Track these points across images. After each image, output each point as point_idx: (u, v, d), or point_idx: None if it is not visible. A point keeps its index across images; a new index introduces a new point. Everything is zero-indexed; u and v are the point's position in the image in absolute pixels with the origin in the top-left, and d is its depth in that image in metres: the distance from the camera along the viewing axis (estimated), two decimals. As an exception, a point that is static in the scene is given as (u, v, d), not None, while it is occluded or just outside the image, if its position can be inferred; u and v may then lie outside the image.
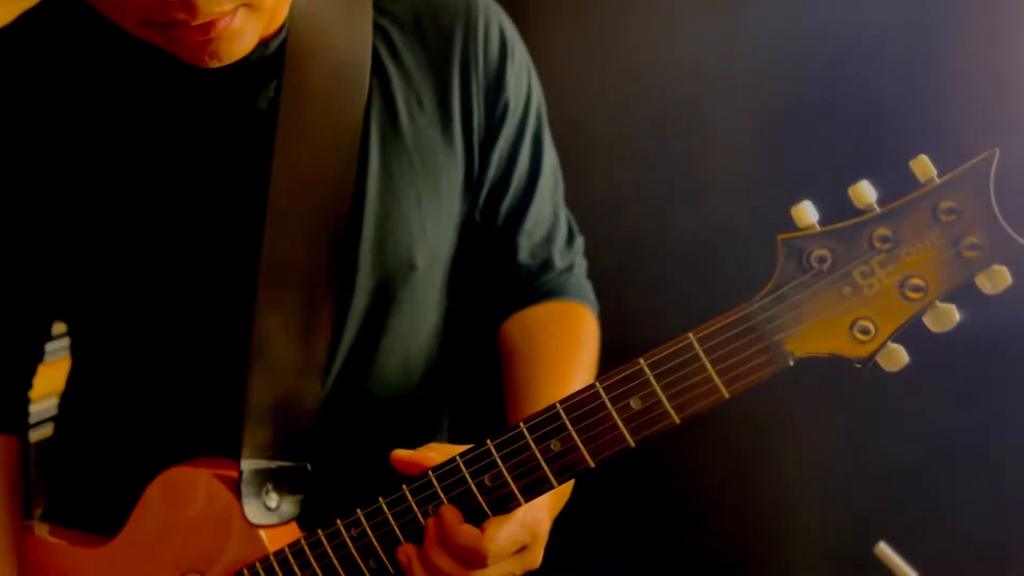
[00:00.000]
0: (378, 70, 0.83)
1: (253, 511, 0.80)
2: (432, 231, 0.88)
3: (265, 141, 0.79)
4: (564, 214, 0.99)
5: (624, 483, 1.49)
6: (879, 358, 0.62)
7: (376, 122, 0.82)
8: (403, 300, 0.89)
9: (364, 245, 0.83)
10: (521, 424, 0.69)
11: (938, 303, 0.61)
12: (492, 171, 0.91)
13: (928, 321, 0.61)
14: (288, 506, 0.83)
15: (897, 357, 0.62)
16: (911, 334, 0.62)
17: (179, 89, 0.80)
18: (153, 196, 0.81)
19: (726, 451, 1.46)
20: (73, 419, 0.96)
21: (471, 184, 0.90)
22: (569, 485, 0.82)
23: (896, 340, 0.62)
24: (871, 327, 0.61)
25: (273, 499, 0.82)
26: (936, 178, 0.60)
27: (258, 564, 0.80)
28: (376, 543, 0.75)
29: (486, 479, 0.70)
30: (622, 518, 1.55)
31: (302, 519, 0.84)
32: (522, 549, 0.72)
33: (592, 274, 1.03)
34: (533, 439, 0.68)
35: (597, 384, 0.66)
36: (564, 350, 0.91)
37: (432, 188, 0.87)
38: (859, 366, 0.62)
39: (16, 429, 0.91)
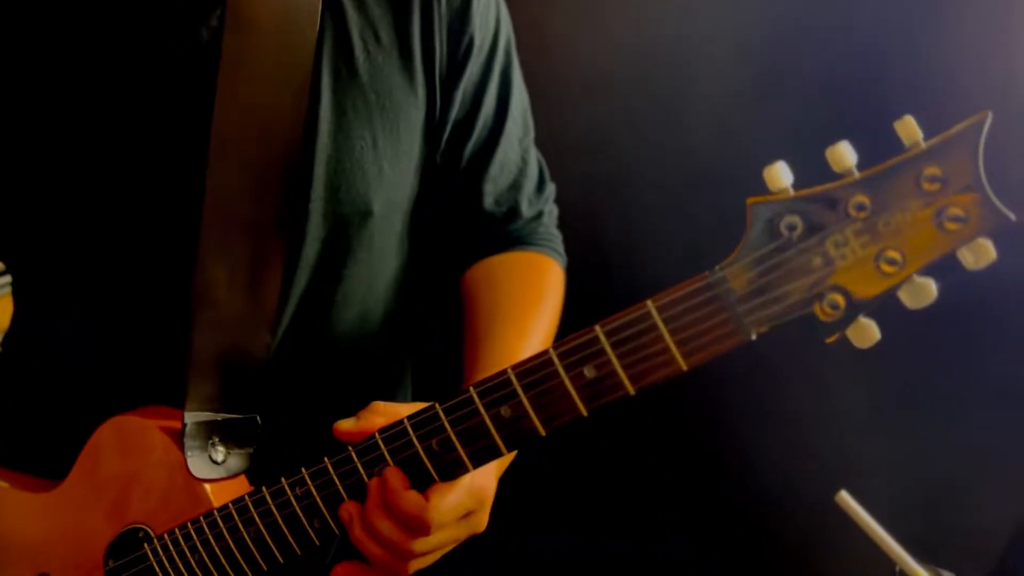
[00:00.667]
0: (331, 2, 0.77)
1: (197, 465, 0.78)
2: (390, 175, 0.83)
3: (208, 76, 0.74)
4: (534, 159, 0.94)
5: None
6: (849, 333, 0.58)
7: (328, 58, 0.77)
8: (359, 248, 0.85)
9: (315, 190, 0.79)
10: (471, 389, 0.66)
11: (915, 277, 0.56)
12: (455, 111, 0.86)
13: (904, 296, 0.57)
14: (236, 460, 0.80)
15: (868, 333, 0.58)
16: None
17: (118, 17, 0.74)
18: (91, 130, 0.76)
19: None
20: (16, 359, 0.93)
21: (432, 125, 0.85)
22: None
23: (868, 315, 0.57)
24: (841, 301, 0.56)
25: (220, 452, 0.79)
26: (922, 142, 0.55)
27: (202, 519, 0.77)
28: (320, 503, 0.72)
29: (434, 443, 0.67)
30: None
31: (254, 473, 0.81)
32: (467, 515, 0.70)
33: (569, 217, 0.99)
34: (483, 404, 0.65)
35: (551, 351, 0.62)
36: (525, 303, 0.87)
37: (390, 129, 0.81)
38: (828, 340, 0.58)
39: None
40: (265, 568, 0.76)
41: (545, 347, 0.63)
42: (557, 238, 0.97)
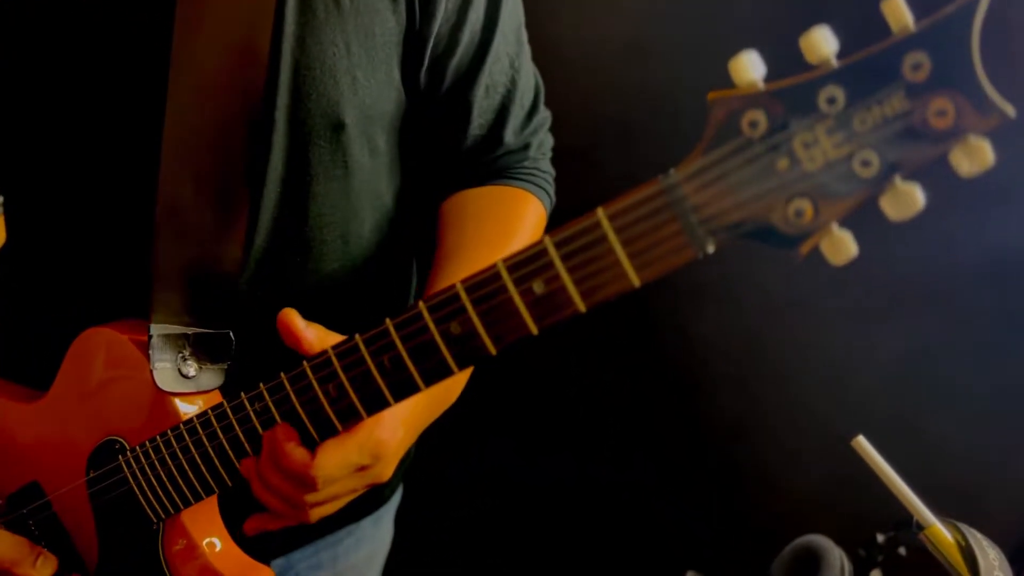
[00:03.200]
0: None
1: (164, 377, 0.76)
2: (364, 85, 0.78)
3: None
4: (528, 82, 0.88)
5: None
6: (823, 247, 0.52)
7: None
8: (333, 164, 0.81)
9: (280, 96, 0.75)
10: (421, 304, 0.62)
11: (899, 182, 0.49)
12: (438, 23, 0.81)
13: (886, 205, 0.50)
14: (209, 376, 0.79)
15: (843, 247, 0.51)
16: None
17: None
18: (53, 40, 0.73)
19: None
20: (5, 275, 0.93)
21: (413, 36, 0.80)
22: (448, 391, 0.77)
23: (844, 226, 0.51)
24: (809, 209, 0.50)
25: (191, 367, 0.78)
26: (912, 26, 0.48)
27: (170, 432, 0.76)
28: (279, 419, 0.70)
29: (385, 360, 0.64)
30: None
31: (230, 390, 0.80)
32: (361, 469, 0.69)
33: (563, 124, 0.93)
34: (433, 320, 0.61)
35: (499, 263, 0.58)
36: (489, 243, 0.81)
37: (363, 35, 0.77)
38: (793, 255, 0.52)
39: None
40: (230, 484, 0.75)
41: None
42: (545, 174, 0.91)
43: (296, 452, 0.66)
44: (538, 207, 0.88)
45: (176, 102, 0.72)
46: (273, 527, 0.73)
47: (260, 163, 0.77)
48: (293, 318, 0.67)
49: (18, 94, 0.75)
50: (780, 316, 1.34)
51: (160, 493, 0.78)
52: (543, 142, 0.91)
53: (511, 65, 0.86)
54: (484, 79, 0.84)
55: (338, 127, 0.78)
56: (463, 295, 0.59)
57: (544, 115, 0.91)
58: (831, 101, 0.48)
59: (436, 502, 1.49)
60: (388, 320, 0.63)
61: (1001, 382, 1.21)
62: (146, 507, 0.80)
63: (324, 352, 0.66)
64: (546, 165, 0.92)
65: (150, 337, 0.76)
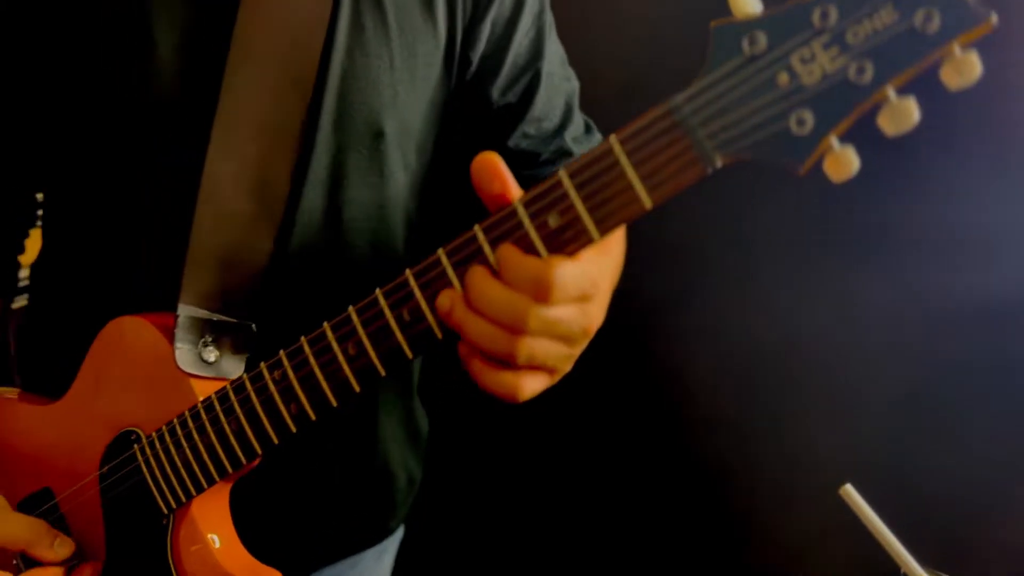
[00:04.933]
0: None
1: (185, 359, 0.78)
2: (404, 98, 0.84)
3: None
4: (578, 110, 0.95)
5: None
6: (825, 164, 0.54)
7: None
8: (369, 171, 0.85)
9: (327, 101, 0.80)
10: (440, 251, 0.64)
11: (894, 97, 0.52)
12: (481, 48, 0.87)
13: (883, 122, 0.53)
14: (229, 364, 0.80)
15: (845, 162, 0.53)
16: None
17: None
18: (119, 26, 0.78)
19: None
20: (41, 286, 0.96)
21: (452, 57, 0.86)
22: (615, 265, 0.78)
23: (845, 142, 0.54)
24: (811, 125, 0.53)
25: (211, 353, 0.79)
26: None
27: (187, 412, 0.77)
28: (297, 385, 0.71)
29: (404, 312, 0.65)
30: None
31: None
32: (583, 298, 0.61)
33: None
34: (451, 263, 0.63)
35: (516, 202, 0.60)
36: None
37: (407, 52, 0.83)
38: (797, 169, 0.54)
39: None
40: (244, 462, 0.75)
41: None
42: None
43: (529, 258, 0.59)
44: None
45: (230, 93, 0.77)
46: (476, 371, 0.62)
47: (303, 162, 0.81)
48: (499, 160, 0.62)
49: (81, 66, 0.80)
50: (772, 359, 1.35)
51: (173, 479, 0.78)
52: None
53: (563, 88, 0.92)
54: (540, 101, 0.89)
55: (378, 136, 0.83)
56: (480, 236, 0.62)
57: (599, 135, 0.97)
58: (824, 17, 0.52)
59: (437, 542, 1.46)
60: (408, 271, 0.65)
61: (994, 431, 1.21)
62: (158, 497, 0.79)
63: (346, 310, 0.68)
64: None
65: (176, 316, 0.78)
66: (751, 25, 0.54)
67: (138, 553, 0.82)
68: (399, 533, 1.08)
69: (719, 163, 0.55)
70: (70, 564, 0.83)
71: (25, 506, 0.88)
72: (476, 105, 0.88)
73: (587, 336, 0.63)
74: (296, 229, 0.83)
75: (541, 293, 0.58)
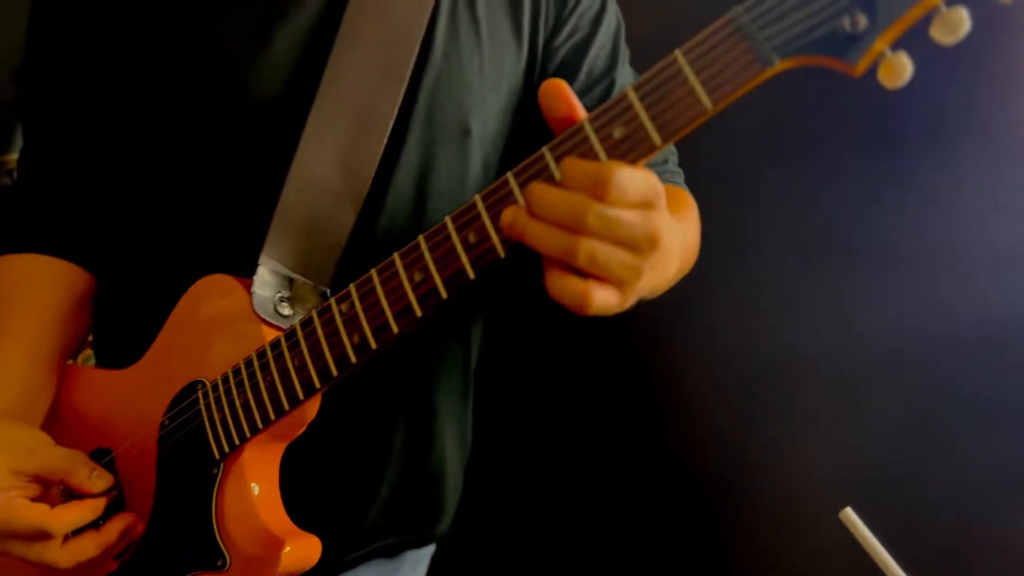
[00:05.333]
0: None
1: (261, 305, 0.81)
2: (491, 102, 0.91)
3: None
4: None
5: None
6: (880, 70, 0.57)
7: None
8: (454, 165, 0.91)
9: (422, 97, 0.88)
10: (509, 175, 0.67)
11: (944, 7, 0.56)
12: (559, 60, 0.95)
13: (936, 32, 0.56)
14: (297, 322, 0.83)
15: (899, 68, 0.56)
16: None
17: None
18: (240, 25, 0.88)
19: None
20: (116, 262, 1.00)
21: (532, 70, 0.94)
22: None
23: (898, 48, 0.57)
24: (864, 24, 0.57)
25: (285, 307, 0.82)
26: None
27: (253, 353, 0.79)
28: (362, 314, 0.73)
29: (470, 235, 0.68)
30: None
31: None
32: (647, 205, 0.61)
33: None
34: (518, 183, 0.66)
35: (583, 119, 0.64)
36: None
37: (495, 62, 0.91)
38: (851, 68, 0.57)
39: (88, 265, 0.98)
40: (302, 397, 0.76)
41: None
42: (681, 176, 1.00)
43: (588, 161, 0.61)
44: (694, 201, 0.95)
45: (332, 78, 0.85)
46: (561, 285, 0.62)
47: (394, 149, 0.87)
48: (565, 84, 0.64)
49: (197, 51, 0.88)
50: (772, 374, 1.32)
51: (229, 420, 0.79)
52: (678, 170, 1.01)
53: None
54: None
55: (465, 132, 0.90)
56: (547, 154, 0.65)
57: (676, 155, 1.02)
58: (875, -67, 0.57)
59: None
60: (477, 195, 0.68)
61: (994, 455, 1.15)
62: (212, 441, 0.80)
63: (415, 239, 0.71)
64: (684, 185, 1.00)
65: (258, 266, 0.82)
66: (807, -54, 0.59)
67: (183, 504, 0.81)
68: (431, 548, 1.05)
69: (777, 63, 0.58)
70: (108, 506, 0.82)
71: (83, 465, 0.89)
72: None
73: (653, 246, 0.62)
74: (382, 208, 0.88)
75: (599, 190, 0.60)
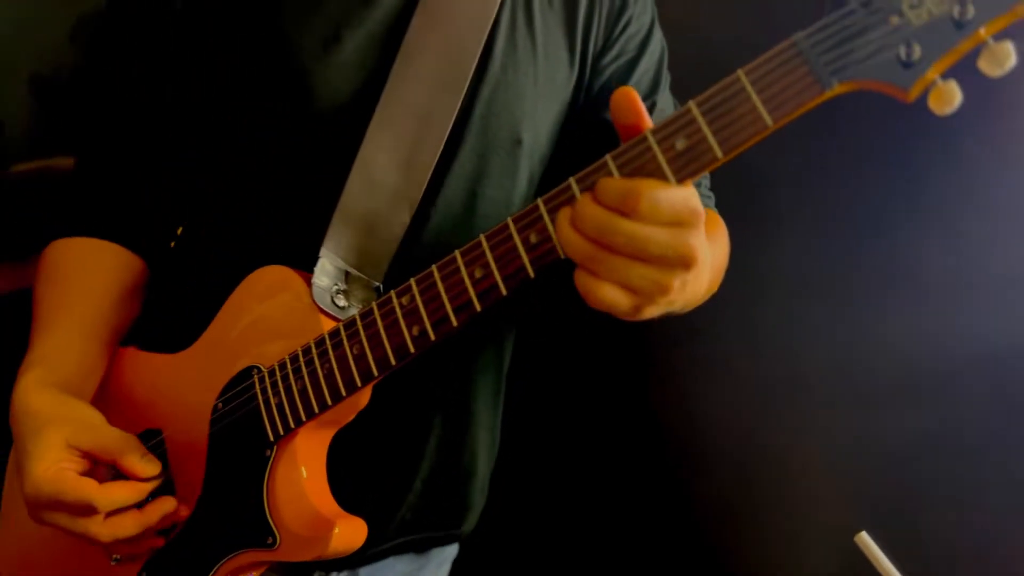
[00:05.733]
0: None
1: (320, 294, 0.84)
2: (542, 114, 0.96)
3: None
4: None
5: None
6: (930, 97, 0.62)
7: (510, 6, 0.94)
8: (503, 173, 0.95)
9: (478, 107, 0.92)
10: (571, 180, 0.71)
11: (991, 41, 0.60)
12: (604, 79, 0.99)
13: (983, 64, 0.61)
14: (356, 312, 0.86)
15: (949, 95, 0.61)
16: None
17: None
18: (311, 26, 0.92)
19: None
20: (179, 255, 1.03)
21: (580, 87, 0.99)
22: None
23: (948, 77, 0.61)
24: (919, 53, 0.61)
25: (343, 299, 0.86)
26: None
27: (311, 341, 0.82)
28: (422, 307, 0.76)
29: (531, 235, 0.72)
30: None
31: None
32: (680, 224, 0.65)
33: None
34: (580, 187, 0.70)
35: (645, 131, 0.69)
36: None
37: (549, 76, 0.96)
38: (904, 94, 0.61)
39: (144, 253, 1.01)
40: (360, 384, 0.79)
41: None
42: (712, 200, 1.04)
43: (624, 179, 0.66)
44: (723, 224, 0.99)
45: (396, 82, 0.89)
46: (583, 281, 0.66)
47: (450, 152, 0.91)
48: (635, 93, 0.68)
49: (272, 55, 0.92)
50: (783, 400, 1.35)
51: (285, 404, 0.82)
52: (710, 195, 1.05)
53: None
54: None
55: (517, 143, 0.94)
56: (610, 162, 0.69)
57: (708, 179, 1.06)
58: (931, -29, 0.62)
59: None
60: (539, 199, 0.72)
61: (1006, 474, 1.18)
62: (267, 423, 0.83)
63: (478, 237, 0.75)
64: (714, 208, 1.04)
65: (319, 258, 0.86)
66: (867, -20, 0.64)
67: (235, 484, 0.84)
68: (455, 550, 1.08)
69: (836, 86, 0.63)
70: (154, 490, 0.85)
71: (133, 445, 0.92)
72: (590, 126, 0.99)
73: (685, 264, 0.65)
74: (435, 210, 0.92)
75: (629, 205, 0.64)
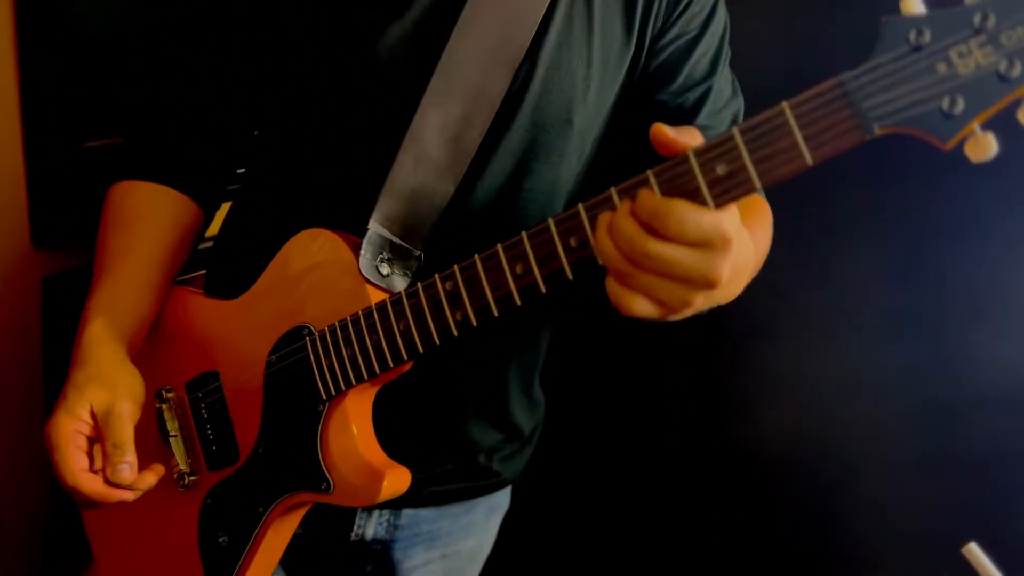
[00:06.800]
0: None
1: (366, 266, 0.89)
2: (594, 95, 0.96)
3: None
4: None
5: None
6: (967, 145, 0.64)
7: None
8: (553, 151, 0.97)
9: (532, 86, 0.92)
10: (612, 189, 0.74)
11: (1034, 95, 0.62)
12: (663, 59, 0.98)
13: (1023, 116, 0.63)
14: (397, 281, 0.92)
15: (985, 145, 0.63)
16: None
17: None
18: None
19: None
20: (240, 207, 1.09)
21: (636, 65, 0.98)
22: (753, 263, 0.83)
23: (986, 128, 0.63)
24: (961, 107, 0.63)
25: (386, 267, 0.91)
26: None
27: (360, 313, 0.88)
28: (465, 294, 0.81)
29: (572, 241, 0.76)
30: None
31: None
32: (708, 246, 0.67)
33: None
34: (620, 197, 0.73)
35: (689, 152, 0.71)
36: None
37: (603, 56, 0.95)
38: (943, 144, 0.64)
39: (202, 200, 1.05)
40: (406, 357, 0.86)
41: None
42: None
43: (656, 197, 0.68)
44: (768, 209, 1.00)
45: (449, 58, 0.90)
46: (614, 290, 0.70)
47: (499, 128, 0.93)
48: (664, 129, 0.70)
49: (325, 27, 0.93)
50: (874, 404, 1.38)
51: (337, 368, 0.89)
52: None
53: (729, 107, 1.01)
54: (706, 111, 0.98)
55: (568, 123, 0.95)
56: (651, 178, 0.72)
57: None
58: (984, 20, 0.62)
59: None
60: (581, 204, 0.76)
61: None
62: (319, 383, 0.90)
63: (518, 235, 0.79)
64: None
65: (367, 230, 0.90)
66: (918, 21, 0.64)
67: (291, 431, 0.93)
68: (507, 498, 1.17)
69: (877, 132, 0.65)
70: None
71: (192, 385, 1.00)
72: (645, 106, 0.99)
73: (708, 285, 0.68)
74: (480, 184, 0.95)
75: (657, 224, 0.67)
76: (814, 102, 0.66)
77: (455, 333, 0.83)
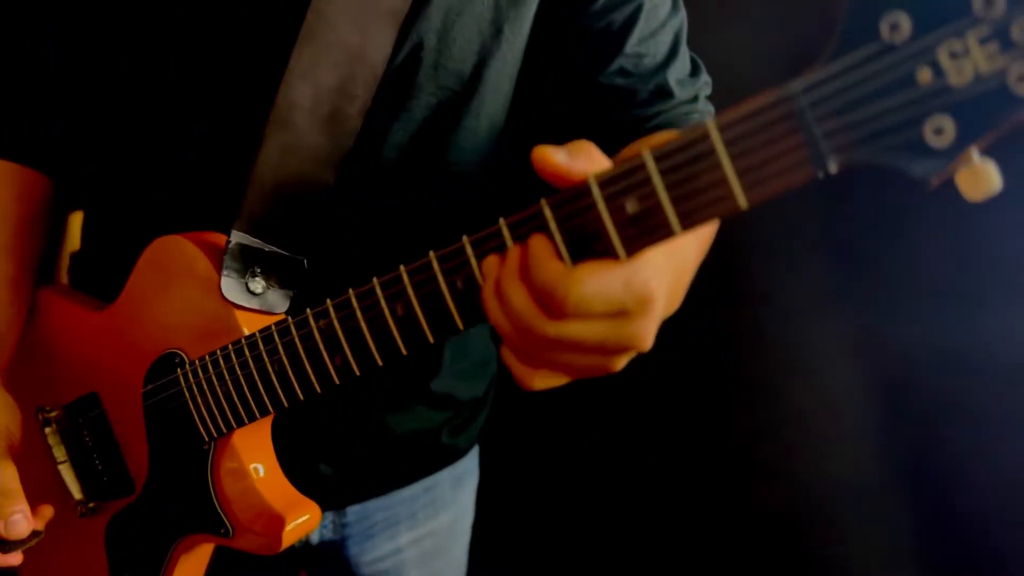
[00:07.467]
0: None
1: (231, 288, 0.74)
2: (509, 38, 0.77)
3: None
4: (686, 49, 0.84)
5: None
6: (959, 180, 0.46)
7: None
8: (467, 115, 0.79)
9: (428, 40, 0.74)
10: (501, 220, 0.58)
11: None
12: (603, 23, 0.78)
13: (1039, 135, 0.45)
14: (275, 298, 0.77)
15: (984, 178, 0.45)
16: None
17: None
18: None
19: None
20: (100, 200, 0.93)
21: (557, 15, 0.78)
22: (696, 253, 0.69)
23: (987, 154, 0.45)
24: (951, 136, 0.44)
25: (258, 284, 0.76)
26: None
27: (231, 346, 0.74)
28: (343, 338, 0.67)
29: (457, 280, 0.60)
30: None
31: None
32: (620, 313, 0.54)
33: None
34: (512, 236, 0.57)
35: (590, 177, 0.54)
36: None
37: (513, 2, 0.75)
38: (925, 184, 0.46)
39: (44, 167, 0.88)
40: (286, 404, 0.73)
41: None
42: (711, 113, 0.87)
43: (552, 264, 0.54)
44: None
45: (315, 17, 0.71)
46: (511, 363, 0.58)
47: (389, 98, 0.75)
48: (547, 153, 0.54)
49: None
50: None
51: (215, 410, 0.76)
52: (708, 107, 0.86)
53: (670, 24, 0.83)
54: (637, 32, 0.80)
55: (477, 76, 0.77)
56: (547, 212, 0.55)
57: (707, 78, 0.86)
58: (988, 4, 0.43)
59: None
60: (465, 237, 0.59)
61: None
62: (199, 424, 0.78)
63: (396, 270, 0.63)
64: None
65: (228, 242, 0.74)
66: (893, 3, 0.45)
67: (180, 472, 0.82)
68: (474, 463, 1.07)
69: (833, 168, 0.47)
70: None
71: (73, 409, 0.88)
72: (567, 31, 0.79)
73: (627, 350, 0.55)
74: (372, 168, 0.78)
75: (552, 310, 0.53)
76: (751, 123, 0.48)
77: (337, 381, 0.69)
